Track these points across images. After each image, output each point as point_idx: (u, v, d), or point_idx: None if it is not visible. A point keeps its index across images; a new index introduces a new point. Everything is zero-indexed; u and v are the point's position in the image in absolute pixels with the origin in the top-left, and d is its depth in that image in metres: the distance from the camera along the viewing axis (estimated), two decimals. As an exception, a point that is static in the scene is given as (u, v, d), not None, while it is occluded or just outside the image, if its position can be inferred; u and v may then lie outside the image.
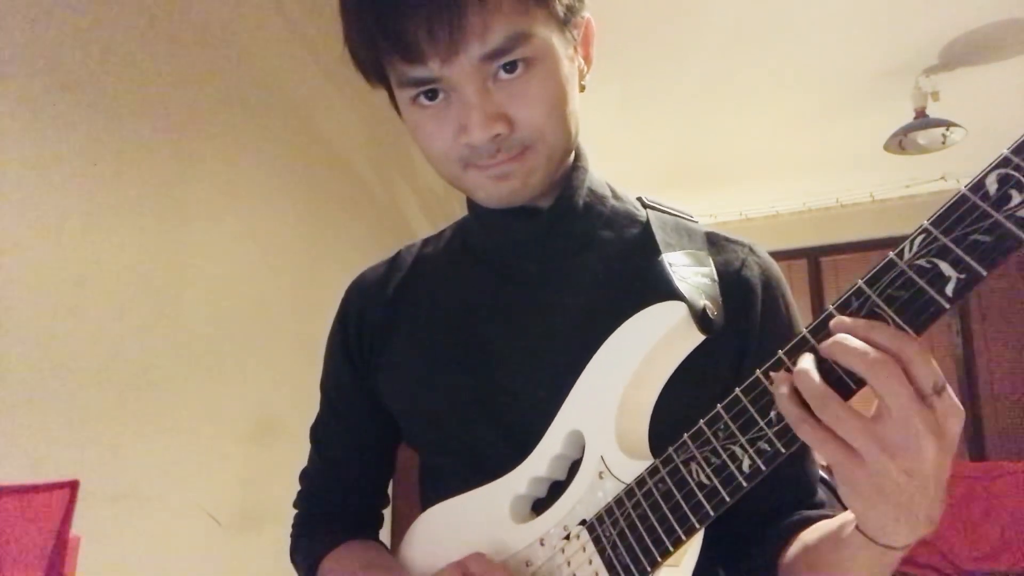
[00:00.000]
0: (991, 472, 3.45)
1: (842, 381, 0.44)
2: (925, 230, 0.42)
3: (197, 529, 1.47)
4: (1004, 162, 0.39)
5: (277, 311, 1.76)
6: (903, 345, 0.42)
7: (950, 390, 0.42)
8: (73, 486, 1.10)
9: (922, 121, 2.76)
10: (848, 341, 0.43)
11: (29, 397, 1.20)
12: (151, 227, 1.45)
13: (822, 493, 0.66)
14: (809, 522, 0.61)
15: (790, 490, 0.64)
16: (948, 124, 2.68)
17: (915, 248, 0.42)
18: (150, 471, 1.39)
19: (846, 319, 0.44)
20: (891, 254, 0.43)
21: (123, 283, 1.38)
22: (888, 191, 4.09)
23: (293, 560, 0.81)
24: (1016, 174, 0.38)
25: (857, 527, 0.49)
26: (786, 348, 0.47)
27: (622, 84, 2.79)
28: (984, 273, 0.40)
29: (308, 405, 1.98)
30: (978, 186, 0.40)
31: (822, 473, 0.69)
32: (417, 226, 2.35)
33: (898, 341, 0.42)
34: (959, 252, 0.40)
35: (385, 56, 0.58)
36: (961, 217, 0.40)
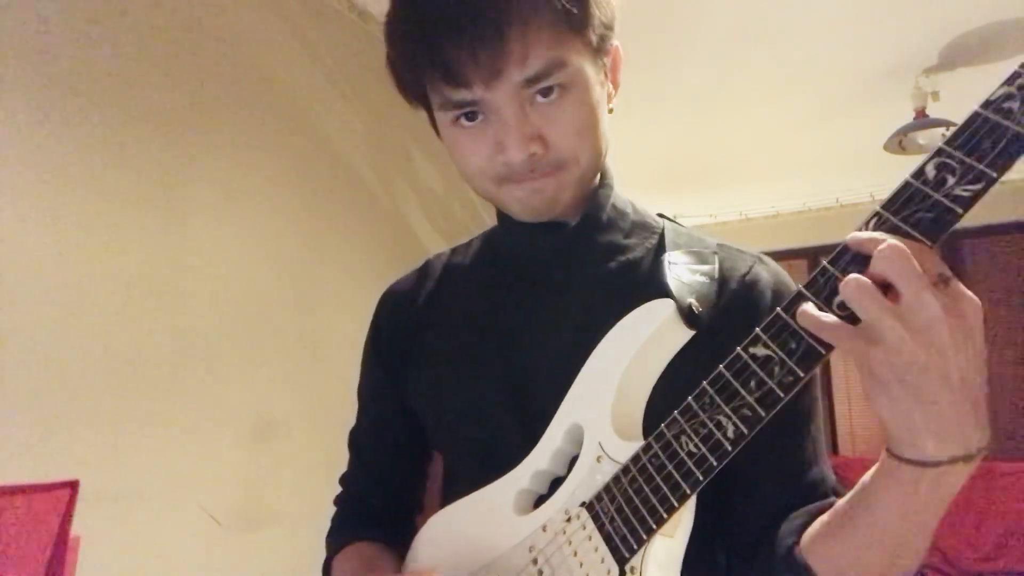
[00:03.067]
0: (991, 472, 3.45)
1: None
2: (877, 213, 0.49)
3: (197, 529, 1.47)
4: (940, 152, 0.47)
5: (277, 311, 1.76)
6: (910, 243, 0.45)
7: (958, 282, 0.45)
8: (73, 486, 1.10)
9: (922, 121, 2.76)
10: (867, 239, 0.47)
11: (29, 397, 1.20)
12: (151, 227, 1.45)
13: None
14: (831, 504, 0.61)
15: (808, 492, 0.65)
16: (948, 124, 2.68)
17: (870, 229, 0.49)
18: (150, 471, 1.39)
19: (860, 233, 0.49)
20: (848, 237, 0.50)
21: (123, 283, 1.38)
22: (888, 191, 4.08)
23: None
24: (950, 161, 0.46)
25: (888, 451, 0.48)
26: (762, 325, 0.52)
27: (622, 84, 2.79)
28: (929, 244, 0.46)
29: (308, 405, 1.99)
30: (919, 173, 0.48)
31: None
32: (417, 226, 2.35)
33: (907, 241, 0.46)
34: (906, 228, 0.47)
35: (430, 80, 0.63)
36: (908, 200, 0.48)
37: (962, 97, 2.95)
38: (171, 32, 1.55)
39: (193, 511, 1.47)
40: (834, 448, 4.32)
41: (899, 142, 2.87)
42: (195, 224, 1.55)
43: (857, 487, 0.54)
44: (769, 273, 0.71)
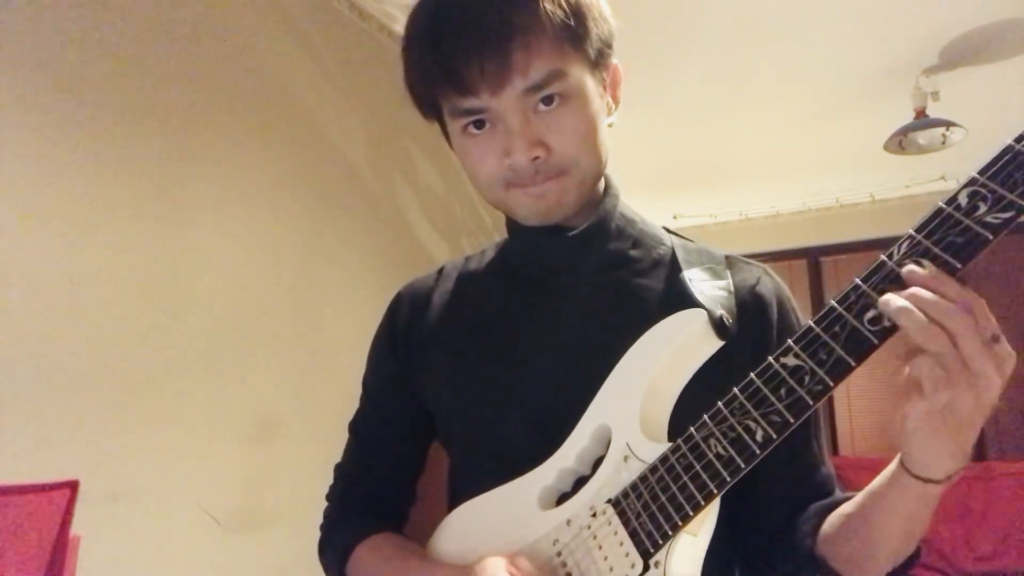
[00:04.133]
0: (991, 472, 3.45)
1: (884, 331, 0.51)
2: (910, 236, 0.51)
3: (197, 529, 1.47)
4: (972, 181, 0.49)
5: (277, 311, 1.76)
6: (968, 298, 0.48)
7: (1004, 338, 0.49)
8: (73, 486, 1.10)
9: (922, 121, 2.75)
10: (928, 296, 0.49)
11: (29, 397, 1.20)
12: (151, 227, 1.45)
13: (839, 494, 0.71)
14: (837, 503, 0.66)
15: (818, 491, 0.70)
16: (948, 124, 2.68)
17: (902, 250, 0.51)
18: (150, 471, 1.39)
19: (917, 270, 0.50)
20: (882, 255, 0.52)
21: (123, 283, 1.38)
22: (888, 191, 4.09)
23: (322, 552, 0.84)
24: (983, 190, 0.49)
25: (903, 467, 0.55)
26: (794, 337, 0.55)
27: (622, 84, 2.79)
28: (958, 266, 0.49)
29: (308, 405, 1.98)
30: (952, 200, 0.50)
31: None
32: (417, 226, 2.35)
33: (964, 294, 0.48)
34: (937, 251, 0.50)
35: (441, 91, 0.68)
36: (939, 224, 0.50)
37: (962, 97, 2.95)
38: (171, 33, 1.55)
39: (193, 511, 1.47)
40: (834, 448, 4.32)
41: (899, 142, 2.87)
42: (195, 223, 1.55)
43: (868, 495, 0.60)
44: (774, 284, 0.76)
